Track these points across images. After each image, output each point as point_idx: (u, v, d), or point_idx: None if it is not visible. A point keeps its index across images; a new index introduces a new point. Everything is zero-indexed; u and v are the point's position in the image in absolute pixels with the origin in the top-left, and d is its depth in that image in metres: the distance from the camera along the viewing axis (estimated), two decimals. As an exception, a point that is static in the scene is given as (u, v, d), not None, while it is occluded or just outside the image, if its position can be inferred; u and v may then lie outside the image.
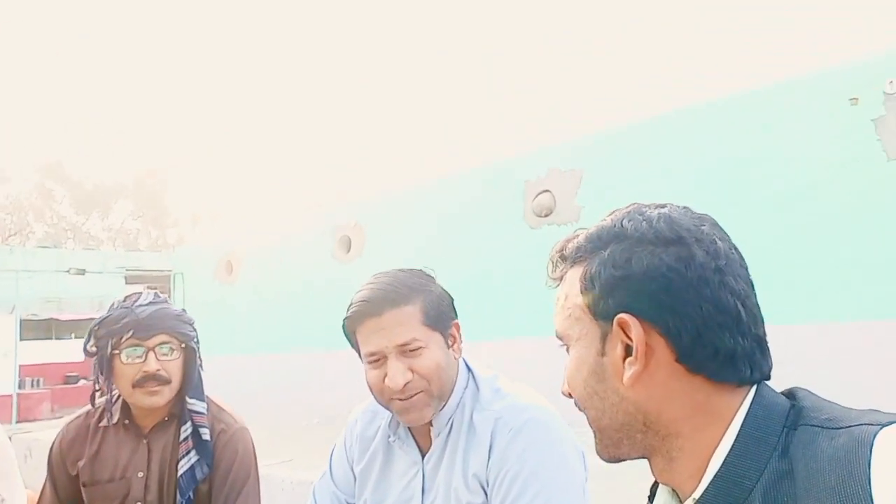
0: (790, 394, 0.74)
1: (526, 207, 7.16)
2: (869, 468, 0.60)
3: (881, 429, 0.62)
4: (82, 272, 11.54)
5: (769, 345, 0.75)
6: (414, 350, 1.30)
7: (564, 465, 1.27)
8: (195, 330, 1.82)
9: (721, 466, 0.69)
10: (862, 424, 0.64)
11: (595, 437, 0.79)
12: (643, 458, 0.78)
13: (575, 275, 0.78)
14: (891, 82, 5.71)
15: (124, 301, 1.76)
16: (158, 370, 1.69)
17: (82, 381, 16.64)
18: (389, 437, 1.46)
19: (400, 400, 1.31)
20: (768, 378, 0.74)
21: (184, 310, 1.83)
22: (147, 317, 1.70)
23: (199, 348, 1.82)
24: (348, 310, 1.36)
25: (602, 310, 0.74)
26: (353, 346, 1.40)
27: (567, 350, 0.80)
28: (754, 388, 0.72)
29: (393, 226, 8.39)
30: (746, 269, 0.75)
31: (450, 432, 1.38)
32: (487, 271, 7.24)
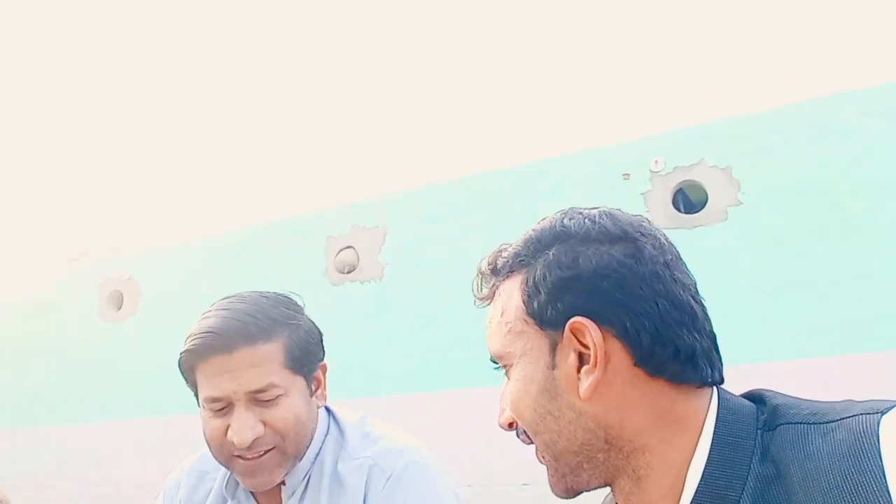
0: (750, 396, 0.70)
1: (328, 263, 6.93)
2: (881, 459, 0.55)
3: (882, 416, 0.58)
4: None
5: None
6: (270, 399, 1.06)
7: None
8: None
9: (700, 480, 0.63)
10: (858, 415, 0.59)
11: (549, 468, 0.69)
12: (606, 484, 0.69)
13: (513, 285, 0.70)
14: (656, 161, 6.53)
15: None
16: None
17: None
18: (227, 501, 1.19)
19: (245, 459, 1.06)
20: (723, 381, 0.69)
21: None
22: None
23: None
24: (188, 340, 1.08)
25: (550, 317, 0.66)
26: (188, 384, 1.13)
27: (506, 373, 0.71)
28: (715, 391, 0.67)
29: (174, 281, 7.61)
30: (686, 266, 0.72)
31: (306, 490, 1.15)
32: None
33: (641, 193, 6.49)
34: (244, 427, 1.03)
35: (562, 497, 0.70)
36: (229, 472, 1.16)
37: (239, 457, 1.06)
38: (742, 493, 0.61)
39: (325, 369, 1.20)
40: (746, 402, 0.68)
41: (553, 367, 0.67)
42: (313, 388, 1.16)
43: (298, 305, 1.19)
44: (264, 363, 1.06)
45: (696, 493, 0.63)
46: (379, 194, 7.19)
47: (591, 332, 0.64)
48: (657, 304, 0.65)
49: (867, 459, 0.56)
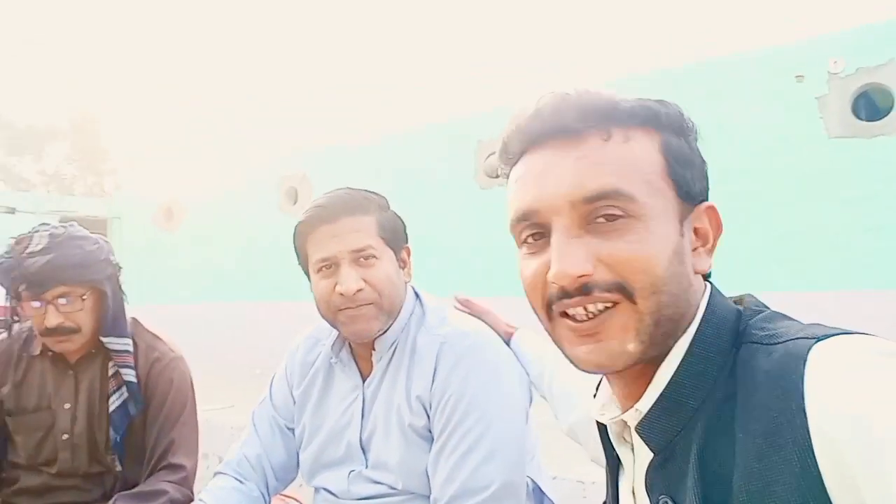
0: (742, 303, 0.72)
1: (478, 167, 7.14)
2: (802, 383, 0.56)
3: (816, 342, 0.58)
4: (12, 211, 10.95)
5: None
6: (367, 259, 1.28)
7: (507, 392, 1.28)
8: (112, 265, 1.64)
9: (667, 384, 0.66)
10: (797, 338, 0.60)
11: (640, 332, 0.65)
12: (647, 362, 0.68)
13: (649, 141, 0.68)
14: (835, 62, 5.86)
15: (16, 246, 1.55)
16: (61, 323, 1.57)
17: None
18: (332, 359, 1.44)
19: (349, 309, 1.28)
20: None
21: (100, 241, 1.63)
22: (37, 271, 1.51)
23: (117, 284, 1.67)
24: (302, 217, 1.32)
25: (689, 192, 0.69)
26: (300, 261, 1.36)
27: (615, 215, 0.65)
28: (706, 296, 0.70)
29: (342, 179, 8.21)
30: None
31: (392, 356, 1.37)
32: (436, 228, 7.23)
33: (816, 98, 5.89)
34: (349, 279, 1.27)
35: (616, 366, 0.66)
36: (335, 336, 1.42)
37: (343, 309, 1.29)
38: (701, 405, 0.64)
39: (409, 252, 1.41)
40: (731, 316, 0.69)
41: (682, 234, 0.68)
42: (400, 264, 1.38)
43: (386, 200, 1.42)
44: (363, 229, 1.30)
45: (660, 396, 0.66)
46: (529, 101, 7.15)
47: (719, 217, 0.72)
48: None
49: (790, 380, 0.57)
